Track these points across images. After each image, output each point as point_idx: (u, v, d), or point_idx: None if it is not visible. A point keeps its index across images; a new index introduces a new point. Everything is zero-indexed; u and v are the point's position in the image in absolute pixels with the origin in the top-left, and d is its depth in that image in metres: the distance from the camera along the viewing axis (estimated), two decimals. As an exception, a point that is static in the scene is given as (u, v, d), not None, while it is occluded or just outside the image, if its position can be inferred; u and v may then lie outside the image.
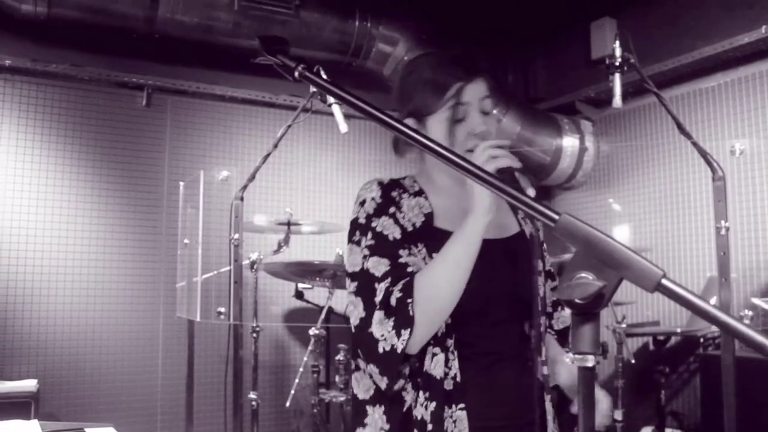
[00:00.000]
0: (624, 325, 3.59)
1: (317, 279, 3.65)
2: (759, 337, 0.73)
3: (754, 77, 4.01)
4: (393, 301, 1.34)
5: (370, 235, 1.44)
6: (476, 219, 1.35)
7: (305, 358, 3.54)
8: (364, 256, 1.42)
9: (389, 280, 1.37)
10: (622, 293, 3.94)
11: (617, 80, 2.80)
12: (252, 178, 3.06)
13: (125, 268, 4.10)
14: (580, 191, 5.10)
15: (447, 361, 1.40)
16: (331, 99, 3.07)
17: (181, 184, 3.98)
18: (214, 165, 4.22)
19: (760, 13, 3.81)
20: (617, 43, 2.79)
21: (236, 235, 3.01)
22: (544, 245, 1.63)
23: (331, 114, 2.87)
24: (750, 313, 2.67)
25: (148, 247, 4.17)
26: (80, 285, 3.98)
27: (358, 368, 1.50)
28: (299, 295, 3.84)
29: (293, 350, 4.52)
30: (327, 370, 3.98)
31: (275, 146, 3.09)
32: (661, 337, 4.21)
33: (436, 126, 1.48)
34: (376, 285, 1.38)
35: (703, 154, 2.71)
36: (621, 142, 4.83)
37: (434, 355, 1.40)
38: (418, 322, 1.31)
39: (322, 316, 3.49)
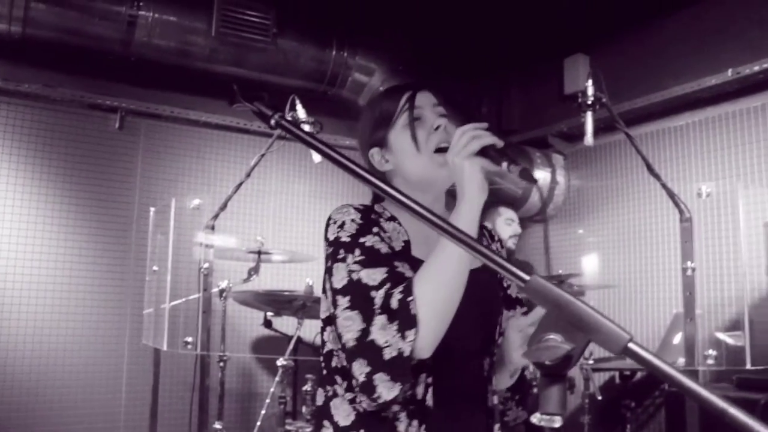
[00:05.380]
0: (591, 362, 3.61)
1: (286, 309, 3.63)
2: (720, 403, 0.74)
3: (720, 118, 4.10)
4: (394, 303, 1.29)
5: (358, 251, 1.38)
6: (471, 202, 1.34)
7: (272, 389, 3.51)
8: (353, 271, 1.35)
9: (388, 285, 1.32)
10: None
11: (589, 119, 2.85)
12: (224, 207, 3.05)
13: (92, 293, 4.04)
14: (551, 224, 5.15)
15: (426, 389, 1.38)
16: (306, 128, 3.09)
17: (152, 209, 3.94)
18: (187, 191, 4.20)
19: (727, 57, 3.91)
20: (590, 81, 2.85)
21: (206, 264, 3.00)
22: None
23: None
24: (714, 352, 2.70)
25: (116, 271, 4.12)
26: (44, 308, 3.90)
27: (335, 395, 1.45)
28: (268, 323, 3.81)
29: (260, 379, 4.47)
30: (294, 401, 3.93)
31: (248, 175, 3.09)
32: (627, 372, 4.24)
33: (397, 136, 1.51)
34: (373, 293, 1.32)
35: (671, 196, 2.76)
36: (592, 176, 4.90)
37: (428, 385, 1.38)
38: (424, 320, 1.27)
39: (291, 346, 3.46)
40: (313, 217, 4.70)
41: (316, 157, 3.19)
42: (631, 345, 0.78)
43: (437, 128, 1.49)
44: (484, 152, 1.33)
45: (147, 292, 3.86)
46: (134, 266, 4.11)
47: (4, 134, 3.89)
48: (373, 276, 1.33)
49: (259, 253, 3.43)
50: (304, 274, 4.00)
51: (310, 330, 4.14)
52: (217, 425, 3.32)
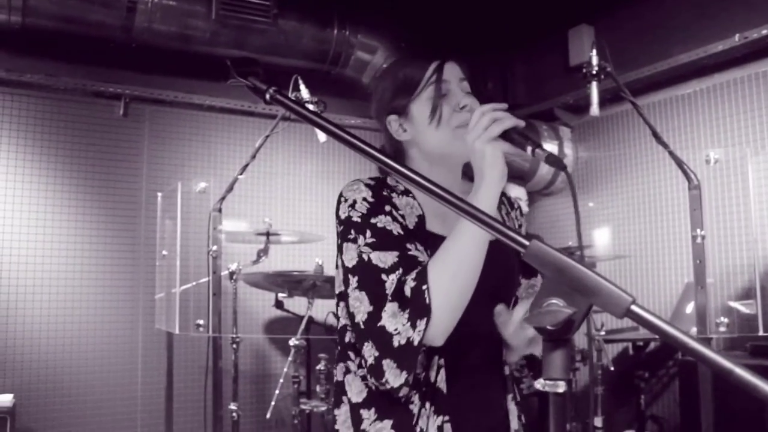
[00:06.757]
0: (603, 333, 3.61)
1: (297, 289, 3.64)
2: (726, 363, 0.74)
3: (728, 84, 4.05)
4: (407, 291, 1.27)
5: (369, 232, 1.35)
6: (490, 187, 1.28)
7: (285, 369, 3.53)
8: (364, 252, 1.33)
9: (401, 270, 1.30)
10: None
11: (594, 89, 2.81)
12: (230, 189, 3.05)
13: (104, 280, 4.06)
14: (559, 197, 5.13)
15: (438, 371, 1.37)
16: (310, 108, 3.08)
17: (159, 194, 3.95)
18: (193, 175, 4.20)
19: (734, 22, 3.85)
20: (594, 51, 2.81)
21: (214, 247, 3.00)
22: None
23: (310, 124, 2.84)
24: (726, 320, 2.68)
25: (126, 258, 4.14)
26: (57, 297, 3.93)
27: (349, 371, 1.43)
28: (279, 304, 3.83)
29: (274, 360, 4.50)
30: (308, 380, 3.96)
31: (253, 157, 3.09)
32: (640, 343, 4.23)
33: (420, 108, 1.45)
34: (384, 276, 1.29)
35: (679, 164, 2.73)
36: (599, 148, 4.86)
37: (440, 367, 1.37)
38: (437, 308, 1.23)
39: (302, 326, 3.48)
40: (320, 197, 4.70)
41: (321, 137, 3.18)
42: (633, 307, 0.78)
43: (463, 107, 1.43)
44: (506, 135, 1.27)
45: (158, 277, 3.88)
46: (144, 252, 4.13)
47: (10, 125, 3.90)
48: (383, 259, 1.31)
49: (268, 234, 3.44)
50: (314, 254, 4.01)
51: (321, 310, 4.16)
52: (232, 406, 3.35)
